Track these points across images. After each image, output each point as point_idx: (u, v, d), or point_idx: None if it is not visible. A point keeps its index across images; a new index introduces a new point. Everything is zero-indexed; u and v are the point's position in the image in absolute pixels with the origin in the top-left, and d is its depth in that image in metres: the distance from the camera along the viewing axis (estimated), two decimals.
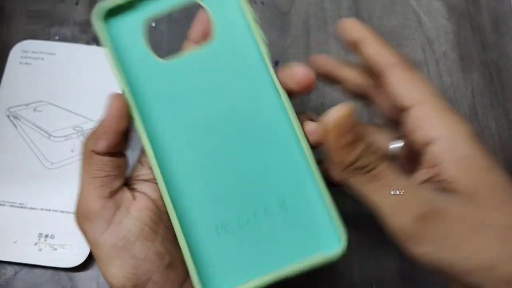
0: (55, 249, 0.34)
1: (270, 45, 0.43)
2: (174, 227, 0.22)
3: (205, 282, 0.21)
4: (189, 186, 0.23)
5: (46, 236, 0.34)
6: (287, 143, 0.23)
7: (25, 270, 0.35)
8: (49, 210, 0.35)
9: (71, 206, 0.35)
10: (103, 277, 0.23)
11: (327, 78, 0.29)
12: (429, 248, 0.21)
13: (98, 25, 0.23)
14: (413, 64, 0.25)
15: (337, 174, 0.22)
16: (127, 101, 0.23)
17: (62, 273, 0.35)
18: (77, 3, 0.44)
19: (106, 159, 0.23)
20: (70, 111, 0.39)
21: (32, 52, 0.40)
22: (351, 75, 0.28)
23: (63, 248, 0.34)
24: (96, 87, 0.40)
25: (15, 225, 0.35)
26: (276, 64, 0.43)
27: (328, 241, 0.22)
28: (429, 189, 0.21)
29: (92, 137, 0.23)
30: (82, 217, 0.23)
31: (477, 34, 0.45)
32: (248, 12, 0.24)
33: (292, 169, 0.23)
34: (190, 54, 0.23)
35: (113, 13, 0.23)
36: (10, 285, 0.34)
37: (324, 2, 0.45)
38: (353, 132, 0.21)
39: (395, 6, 0.46)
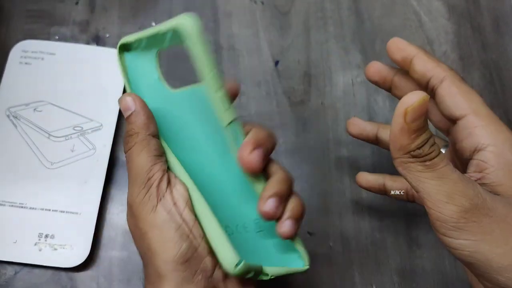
0: (55, 249, 0.34)
1: (270, 45, 0.43)
2: (201, 206, 0.25)
3: (228, 254, 0.24)
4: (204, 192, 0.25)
5: (46, 236, 0.34)
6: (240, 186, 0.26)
7: (25, 270, 0.35)
8: (49, 210, 0.35)
9: (71, 206, 0.35)
10: (150, 252, 0.24)
11: (381, 84, 0.32)
12: (471, 240, 0.22)
13: (118, 56, 0.26)
14: (461, 77, 0.27)
15: (396, 157, 0.23)
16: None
17: (62, 273, 0.35)
18: (77, 3, 0.44)
19: (158, 142, 0.26)
20: (70, 111, 0.39)
21: (32, 52, 0.40)
22: (404, 84, 0.30)
23: (63, 248, 0.34)
24: (96, 87, 0.40)
25: (15, 225, 0.35)
26: (276, 64, 0.43)
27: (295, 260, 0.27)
28: (480, 186, 0.23)
29: (143, 126, 0.25)
30: (136, 189, 0.25)
31: (477, 34, 0.45)
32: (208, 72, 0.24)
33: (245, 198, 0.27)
34: (192, 88, 0.26)
35: (130, 46, 0.26)
36: (10, 285, 0.34)
37: (324, 2, 0.45)
38: (423, 119, 0.22)
39: (395, 6, 0.46)
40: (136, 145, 0.25)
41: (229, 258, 0.23)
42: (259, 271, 0.24)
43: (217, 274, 0.25)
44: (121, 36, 0.42)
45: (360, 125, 0.34)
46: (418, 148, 0.22)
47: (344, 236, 0.37)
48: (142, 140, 0.25)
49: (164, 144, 0.26)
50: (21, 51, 0.40)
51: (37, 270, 0.34)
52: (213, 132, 0.25)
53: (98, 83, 0.40)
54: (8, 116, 0.38)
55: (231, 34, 0.44)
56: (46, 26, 0.43)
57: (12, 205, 0.35)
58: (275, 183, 0.26)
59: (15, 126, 0.38)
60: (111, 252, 0.36)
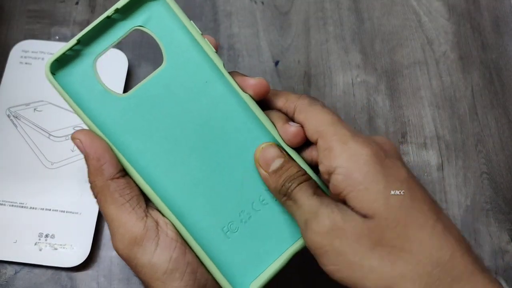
0: (55, 249, 0.34)
1: (270, 45, 0.43)
2: (188, 242, 0.23)
3: (231, 281, 0.23)
4: (188, 201, 0.24)
5: (46, 235, 0.34)
6: (259, 139, 0.25)
7: (25, 269, 0.35)
8: (49, 209, 0.35)
9: (71, 206, 0.35)
10: None
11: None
12: (333, 265, 0.22)
13: (50, 79, 0.23)
14: (312, 99, 0.26)
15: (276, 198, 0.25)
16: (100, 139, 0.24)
17: (62, 273, 0.35)
18: (77, 3, 0.44)
19: (122, 181, 0.24)
20: (70, 111, 0.39)
21: (32, 52, 0.40)
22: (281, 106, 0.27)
23: (64, 247, 0.34)
24: None
25: (15, 225, 0.35)
26: (276, 64, 0.43)
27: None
28: (336, 207, 0.22)
29: (96, 172, 0.24)
30: (129, 246, 0.23)
31: (477, 34, 0.45)
32: (192, 29, 0.24)
33: None
34: (145, 82, 0.24)
35: (61, 63, 0.24)
36: (10, 284, 0.34)
37: (324, 2, 0.45)
38: (277, 161, 0.24)
39: (395, 6, 0.46)
40: (99, 196, 0.24)
41: None
42: (269, 280, 0.24)
43: None
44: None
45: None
46: (282, 185, 0.24)
47: None
48: (102, 189, 0.24)
49: (135, 172, 0.24)
50: (21, 51, 0.40)
51: (37, 270, 0.34)
52: (198, 105, 0.24)
53: None
54: (8, 116, 0.38)
55: (231, 34, 0.44)
56: (46, 26, 0.43)
57: (12, 205, 0.35)
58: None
59: (15, 126, 0.38)
60: (111, 252, 0.36)
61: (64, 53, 0.24)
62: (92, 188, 0.24)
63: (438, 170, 0.40)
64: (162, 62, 0.25)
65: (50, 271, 0.35)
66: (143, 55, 0.42)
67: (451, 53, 0.44)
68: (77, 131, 0.24)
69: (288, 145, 0.25)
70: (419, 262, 0.21)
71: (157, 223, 0.24)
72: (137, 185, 0.24)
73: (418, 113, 0.42)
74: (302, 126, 0.25)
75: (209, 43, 0.24)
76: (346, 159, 0.23)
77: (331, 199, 0.23)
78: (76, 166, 0.37)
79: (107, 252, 0.36)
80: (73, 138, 0.24)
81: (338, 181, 0.22)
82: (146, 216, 0.23)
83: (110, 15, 0.24)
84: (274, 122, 0.25)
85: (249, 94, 0.25)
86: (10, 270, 0.34)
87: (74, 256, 0.34)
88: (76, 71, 0.24)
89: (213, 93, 0.24)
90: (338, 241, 0.22)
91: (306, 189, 0.23)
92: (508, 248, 0.37)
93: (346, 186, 0.22)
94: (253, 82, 0.25)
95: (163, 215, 0.24)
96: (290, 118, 0.26)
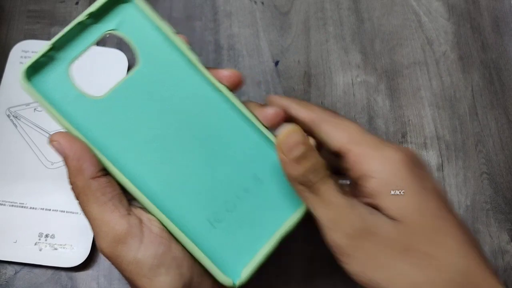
0: (55, 249, 0.34)
1: (270, 45, 0.43)
2: (176, 235, 0.23)
3: (222, 269, 0.23)
4: (172, 195, 0.24)
5: (46, 235, 0.34)
6: (240, 127, 0.25)
7: (25, 270, 0.35)
8: (49, 209, 0.35)
9: (71, 206, 0.35)
10: None
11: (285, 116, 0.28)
12: (359, 266, 0.22)
13: (24, 86, 0.23)
14: (333, 112, 0.27)
15: (292, 185, 0.24)
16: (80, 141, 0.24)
17: (62, 273, 0.35)
18: (77, 3, 0.44)
19: (103, 180, 0.23)
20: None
21: (32, 52, 0.40)
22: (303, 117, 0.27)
23: (64, 247, 0.34)
24: (96, 87, 0.39)
25: (15, 225, 0.35)
26: (276, 64, 0.43)
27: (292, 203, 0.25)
28: (366, 210, 0.23)
29: (76, 172, 0.23)
30: (113, 244, 0.23)
31: (477, 34, 0.45)
32: (164, 27, 0.24)
33: (250, 144, 0.25)
34: (120, 84, 0.25)
35: (36, 69, 0.24)
36: (10, 285, 0.34)
37: (324, 2, 0.45)
38: (301, 148, 0.23)
39: (395, 6, 0.46)
40: (80, 196, 0.23)
41: (224, 280, 0.23)
42: (260, 265, 0.24)
43: None
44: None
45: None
46: (303, 176, 0.23)
47: None
48: (83, 189, 0.23)
49: (116, 170, 0.23)
50: (21, 51, 0.40)
51: (37, 270, 0.34)
52: (176, 101, 0.24)
53: (98, 83, 0.39)
54: (8, 116, 0.38)
55: (231, 34, 0.44)
56: (46, 26, 0.43)
57: (12, 205, 0.35)
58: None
59: (15, 126, 0.38)
60: None
61: (38, 59, 0.23)
62: (73, 189, 0.24)
63: (438, 170, 0.40)
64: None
65: (50, 271, 0.35)
66: None
67: (451, 53, 0.44)
68: (55, 133, 0.23)
69: (267, 129, 0.25)
70: (446, 269, 0.21)
71: (140, 220, 0.23)
72: (119, 183, 0.24)
73: (418, 113, 0.42)
74: (322, 136, 0.25)
75: (183, 40, 0.24)
76: (380, 163, 0.23)
77: (358, 200, 0.23)
78: None
79: None
80: (50, 140, 0.23)
81: (371, 185, 0.23)
82: (129, 213, 0.23)
83: (82, 20, 0.24)
84: (251, 109, 0.26)
85: (225, 86, 0.25)
86: (10, 270, 0.34)
87: (74, 256, 0.34)
88: (51, 77, 0.24)
89: (190, 88, 0.24)
90: (369, 244, 0.22)
91: (332, 185, 0.23)
92: (508, 248, 0.37)
93: (380, 190, 0.22)
94: (227, 73, 0.25)
95: (147, 211, 0.24)
96: (310, 130, 0.26)
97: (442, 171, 0.40)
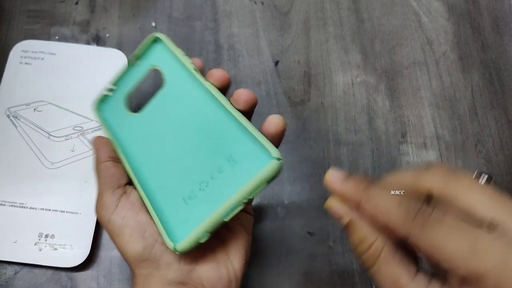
0: (55, 249, 0.34)
1: (270, 45, 0.43)
2: (144, 202, 0.28)
3: (170, 235, 0.26)
4: (157, 176, 0.29)
5: (46, 236, 0.34)
6: (221, 119, 0.27)
7: (25, 270, 0.35)
8: (49, 210, 0.35)
9: (71, 206, 0.35)
10: (120, 252, 0.27)
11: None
12: None
13: (94, 111, 0.33)
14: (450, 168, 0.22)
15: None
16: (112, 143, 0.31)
17: (62, 273, 0.35)
18: (77, 3, 0.44)
19: (109, 163, 0.30)
20: (70, 111, 0.39)
21: (32, 52, 0.40)
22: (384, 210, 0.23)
23: (63, 248, 0.34)
24: (96, 87, 0.39)
25: (15, 225, 0.35)
26: (276, 64, 0.43)
27: (263, 160, 0.25)
28: None
29: (95, 158, 0.30)
30: (99, 209, 0.28)
31: (477, 34, 0.45)
32: (181, 56, 0.30)
33: (226, 131, 0.27)
34: (149, 103, 0.31)
35: (102, 100, 0.34)
36: (10, 285, 0.34)
37: (324, 2, 0.45)
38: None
39: (395, 6, 0.46)
40: (96, 176, 0.30)
41: (168, 244, 0.26)
42: (207, 234, 0.25)
43: (185, 265, 0.27)
44: (121, 36, 0.43)
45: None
46: (357, 246, 0.23)
47: (344, 236, 0.37)
48: (97, 170, 0.30)
49: (124, 158, 0.30)
50: (21, 51, 0.40)
51: (37, 270, 0.34)
52: (180, 107, 0.30)
53: (98, 83, 0.39)
54: (8, 116, 0.38)
55: (231, 34, 0.44)
56: (46, 26, 0.43)
57: (12, 205, 0.35)
58: None
59: (15, 126, 0.38)
60: (111, 252, 0.36)
61: (105, 95, 0.33)
62: (94, 166, 0.30)
63: None
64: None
65: (50, 271, 0.35)
66: None
67: (451, 53, 0.44)
68: (95, 137, 0.32)
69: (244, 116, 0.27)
70: None
71: (124, 192, 0.29)
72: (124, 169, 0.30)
73: (418, 113, 0.42)
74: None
75: (191, 63, 0.30)
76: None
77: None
78: (76, 166, 0.37)
79: (107, 252, 0.35)
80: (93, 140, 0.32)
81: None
82: (119, 188, 0.29)
83: (131, 61, 0.32)
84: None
85: (212, 84, 0.28)
86: (10, 270, 0.34)
87: (74, 256, 0.34)
88: (111, 105, 0.33)
89: (192, 95, 0.29)
90: None
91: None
92: None
93: None
94: (215, 74, 0.28)
95: (135, 188, 0.29)
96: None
97: None
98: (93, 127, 0.38)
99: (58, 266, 0.34)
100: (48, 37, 0.42)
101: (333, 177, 0.24)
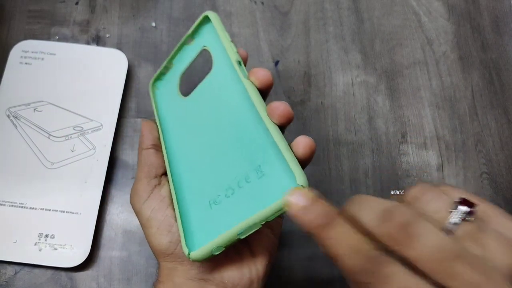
0: (55, 249, 0.34)
1: (270, 45, 0.43)
2: (173, 200, 0.28)
3: (187, 241, 0.26)
4: (190, 176, 0.29)
5: (46, 236, 0.34)
6: (256, 127, 0.27)
7: (25, 270, 0.35)
8: (49, 210, 0.35)
9: (71, 206, 0.35)
10: (148, 243, 0.28)
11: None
12: None
13: (150, 88, 0.34)
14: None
15: None
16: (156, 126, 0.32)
17: (62, 273, 0.35)
18: (77, 3, 0.44)
19: (151, 151, 0.31)
20: (70, 111, 0.39)
21: (32, 52, 0.40)
22: None
23: (63, 248, 0.34)
24: (96, 87, 0.40)
25: (15, 225, 0.35)
26: (276, 64, 0.43)
27: (288, 185, 0.23)
28: None
29: (139, 144, 0.31)
30: (132, 195, 0.29)
31: (477, 34, 0.45)
32: (226, 44, 0.29)
33: (259, 140, 0.26)
34: (199, 86, 0.31)
35: (159, 77, 0.35)
36: (10, 285, 0.34)
37: (324, 2, 0.45)
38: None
39: (395, 6, 0.46)
40: (141, 154, 0.31)
41: (184, 250, 0.26)
42: (221, 248, 0.25)
43: (208, 263, 0.27)
44: (121, 36, 0.43)
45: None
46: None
47: None
48: (139, 156, 0.31)
49: (164, 147, 0.31)
50: (21, 51, 0.40)
51: (37, 270, 0.34)
52: (221, 101, 0.29)
53: (98, 83, 0.40)
54: (8, 116, 0.38)
55: (231, 34, 0.44)
56: (46, 26, 0.43)
57: (12, 205, 0.35)
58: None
59: (15, 126, 0.38)
60: (111, 252, 0.36)
61: (161, 71, 0.34)
62: (139, 149, 0.31)
63: (438, 170, 0.40)
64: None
65: (50, 271, 0.35)
66: (143, 55, 0.42)
67: (451, 53, 0.44)
68: (143, 120, 0.33)
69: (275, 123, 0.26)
70: None
71: (159, 184, 0.30)
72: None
73: (418, 113, 0.42)
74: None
75: (236, 53, 0.29)
76: None
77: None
78: (76, 166, 0.37)
79: (107, 252, 0.35)
80: (142, 124, 0.32)
81: None
82: (155, 177, 0.30)
83: (184, 41, 0.33)
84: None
85: (254, 84, 0.27)
86: (10, 270, 0.34)
87: (74, 256, 0.34)
88: (166, 83, 0.34)
89: (232, 91, 0.28)
90: None
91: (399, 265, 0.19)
92: None
93: None
94: (258, 73, 0.27)
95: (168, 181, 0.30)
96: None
97: (442, 171, 0.40)
98: (93, 127, 0.38)
99: (58, 266, 0.34)
100: (48, 37, 0.42)
101: (295, 200, 0.22)
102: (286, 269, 0.36)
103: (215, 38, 0.31)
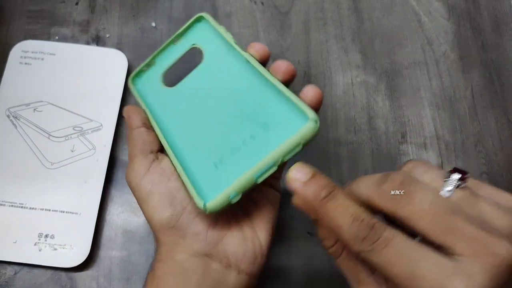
0: (55, 249, 0.34)
1: (270, 45, 0.43)
2: (174, 165, 0.28)
3: (200, 194, 0.25)
4: (190, 146, 0.28)
5: (46, 236, 0.34)
6: (257, 85, 0.27)
7: (25, 270, 0.35)
8: (49, 210, 0.35)
9: (71, 206, 0.35)
10: (146, 219, 0.27)
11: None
12: None
13: (129, 84, 0.34)
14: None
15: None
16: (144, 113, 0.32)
17: (62, 273, 0.35)
18: (77, 3, 0.44)
19: (142, 129, 0.30)
20: (70, 111, 0.39)
21: (32, 52, 0.40)
22: None
23: (63, 248, 0.34)
24: (96, 87, 0.40)
25: (15, 225, 0.35)
26: None
27: (300, 122, 0.24)
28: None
29: (128, 125, 0.30)
30: (128, 172, 0.28)
31: (477, 34, 0.45)
32: (223, 32, 0.31)
33: (263, 98, 0.27)
34: (189, 76, 0.31)
35: (139, 74, 0.34)
36: (10, 285, 0.34)
37: (324, 2, 0.45)
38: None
39: (395, 6, 0.46)
40: (128, 142, 0.30)
41: (198, 202, 0.25)
42: (238, 194, 0.24)
43: (212, 236, 0.26)
44: (121, 36, 0.43)
45: None
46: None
47: None
48: (129, 136, 0.30)
49: (156, 126, 0.30)
50: (21, 51, 0.40)
51: (37, 270, 0.34)
52: (218, 79, 0.30)
53: (98, 83, 0.40)
54: (8, 116, 0.38)
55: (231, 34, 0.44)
56: (46, 26, 0.43)
57: (12, 205, 0.35)
58: None
59: (15, 126, 0.38)
60: (111, 252, 0.36)
61: (141, 69, 0.34)
62: (128, 132, 0.31)
63: None
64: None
65: (49, 271, 0.35)
66: (143, 55, 0.42)
67: (451, 53, 0.44)
68: (127, 106, 0.32)
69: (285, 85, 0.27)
70: None
71: (156, 158, 0.29)
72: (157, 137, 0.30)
73: (418, 113, 0.42)
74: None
75: (232, 38, 0.30)
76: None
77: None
78: (76, 166, 0.37)
79: (107, 252, 0.36)
80: (124, 110, 0.32)
81: None
82: (151, 153, 0.29)
83: (172, 40, 0.33)
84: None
85: (251, 55, 0.28)
86: (10, 270, 0.34)
87: (74, 256, 0.34)
88: (147, 79, 0.34)
89: (230, 66, 0.29)
90: None
91: (399, 233, 0.20)
92: None
93: None
94: (256, 46, 0.29)
95: (166, 155, 0.29)
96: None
97: None
98: (93, 127, 0.38)
99: (58, 266, 0.34)
100: (48, 37, 0.42)
101: (296, 175, 0.23)
102: (286, 269, 0.36)
103: (208, 32, 0.32)
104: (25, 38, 0.42)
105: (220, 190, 0.24)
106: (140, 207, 0.28)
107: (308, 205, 0.22)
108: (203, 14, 0.32)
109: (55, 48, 0.41)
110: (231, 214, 0.28)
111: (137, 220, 0.37)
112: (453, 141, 0.41)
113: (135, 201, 0.29)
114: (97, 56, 0.41)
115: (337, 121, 0.41)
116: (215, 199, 0.24)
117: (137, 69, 0.34)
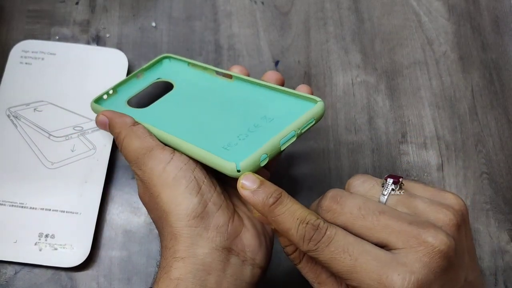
0: (55, 249, 0.34)
1: (270, 45, 0.43)
2: (195, 153, 0.28)
3: (229, 158, 0.26)
4: (195, 135, 0.29)
5: (46, 236, 0.34)
6: (249, 91, 0.31)
7: (25, 270, 0.35)
8: (49, 209, 0.35)
9: (71, 206, 0.35)
10: (166, 210, 0.26)
11: None
12: None
13: (92, 106, 0.35)
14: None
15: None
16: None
17: (62, 273, 0.35)
18: (77, 3, 0.44)
19: (141, 126, 0.30)
20: (70, 111, 0.39)
21: (32, 52, 0.40)
22: None
23: (63, 248, 0.34)
24: (96, 87, 0.39)
25: (15, 225, 0.35)
26: (276, 64, 0.43)
27: (309, 104, 0.28)
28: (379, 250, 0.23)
29: (120, 125, 0.30)
30: (147, 159, 0.28)
31: (477, 34, 0.45)
32: (192, 61, 0.35)
33: (258, 98, 0.30)
34: (162, 98, 0.34)
35: (99, 101, 0.36)
36: (10, 285, 0.34)
37: (324, 2, 0.45)
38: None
39: (395, 6, 0.46)
40: (125, 141, 0.29)
41: (228, 167, 0.25)
42: (266, 156, 0.25)
43: (232, 229, 0.27)
44: (121, 36, 0.43)
45: None
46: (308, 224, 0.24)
47: None
48: (128, 132, 0.29)
49: (156, 128, 0.31)
50: (21, 51, 0.40)
51: (37, 270, 0.34)
52: (203, 92, 0.33)
53: (98, 83, 0.40)
54: (8, 116, 0.38)
55: (231, 34, 0.44)
56: (46, 26, 0.43)
57: (12, 205, 0.35)
58: None
59: (15, 126, 0.38)
60: (111, 252, 0.36)
61: (101, 96, 0.36)
62: (118, 140, 0.30)
63: (438, 170, 0.40)
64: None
65: (50, 271, 0.35)
66: (143, 55, 0.42)
67: (451, 53, 0.44)
68: (97, 115, 0.32)
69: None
70: None
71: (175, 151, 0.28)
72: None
73: (418, 113, 0.42)
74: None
75: (199, 63, 0.35)
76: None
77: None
78: (76, 166, 0.37)
79: (107, 252, 0.36)
80: (96, 119, 0.32)
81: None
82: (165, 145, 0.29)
83: (137, 73, 0.36)
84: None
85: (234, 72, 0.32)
86: (10, 270, 0.34)
87: (74, 256, 0.34)
88: (111, 105, 0.35)
89: (210, 83, 0.33)
90: None
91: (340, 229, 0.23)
92: (508, 248, 0.37)
93: None
94: (236, 68, 0.33)
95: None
96: None
97: (442, 171, 0.40)
98: (93, 127, 0.38)
99: (58, 266, 0.34)
100: (48, 37, 0.42)
101: (245, 184, 0.24)
102: (286, 269, 0.36)
103: (177, 65, 0.36)
104: (25, 38, 0.42)
105: (249, 153, 0.25)
106: (160, 197, 0.27)
107: (262, 215, 0.24)
108: (169, 54, 0.37)
109: (55, 48, 0.41)
110: (244, 207, 0.29)
111: (138, 220, 0.37)
112: (453, 141, 0.41)
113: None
114: (97, 56, 0.41)
115: (337, 121, 0.41)
116: (246, 159, 0.25)
117: (99, 94, 0.35)
